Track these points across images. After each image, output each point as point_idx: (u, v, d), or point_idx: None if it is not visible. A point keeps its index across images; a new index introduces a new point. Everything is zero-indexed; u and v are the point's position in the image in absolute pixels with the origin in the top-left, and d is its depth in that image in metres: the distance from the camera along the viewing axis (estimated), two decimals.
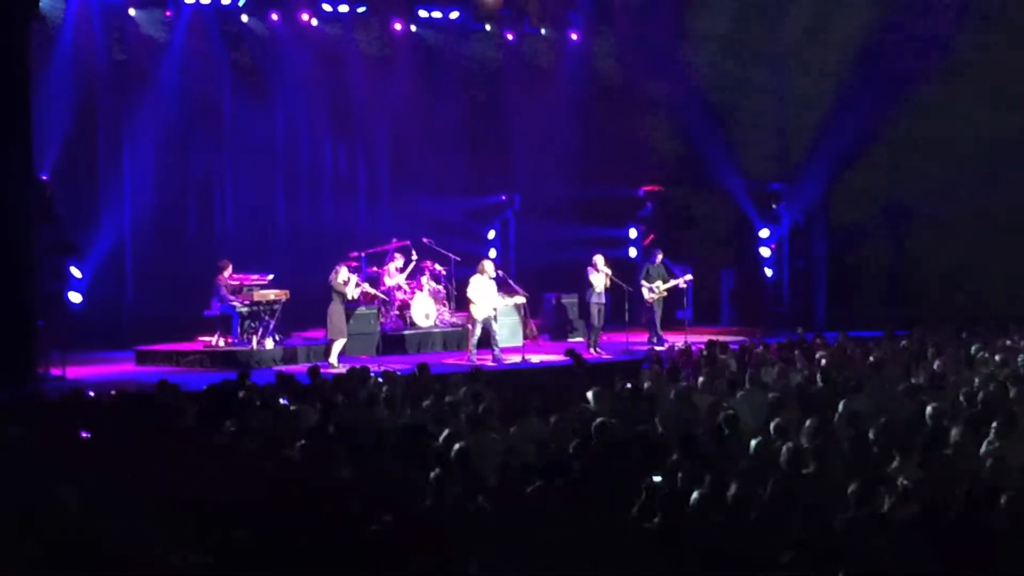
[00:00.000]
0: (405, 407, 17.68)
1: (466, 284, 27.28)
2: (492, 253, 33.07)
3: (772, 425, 15.30)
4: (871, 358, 21.20)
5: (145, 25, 29.84)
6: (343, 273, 26.36)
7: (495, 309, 26.86)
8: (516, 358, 26.74)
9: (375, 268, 29.37)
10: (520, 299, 28.13)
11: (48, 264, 25.42)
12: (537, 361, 26.74)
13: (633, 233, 35.34)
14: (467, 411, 17.64)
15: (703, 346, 24.13)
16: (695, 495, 11.87)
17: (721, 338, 26.02)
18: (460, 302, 29.59)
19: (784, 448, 13.59)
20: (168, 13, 29.82)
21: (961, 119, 31.16)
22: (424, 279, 29.59)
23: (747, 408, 17.19)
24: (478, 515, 11.61)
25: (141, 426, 16.37)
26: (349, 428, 16.59)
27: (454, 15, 33.19)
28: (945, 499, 11.87)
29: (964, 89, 31.27)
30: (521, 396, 18.20)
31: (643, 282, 29.70)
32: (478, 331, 26.66)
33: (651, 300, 29.60)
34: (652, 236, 34.15)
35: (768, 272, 33.53)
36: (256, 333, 26.73)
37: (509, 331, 28.41)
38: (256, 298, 26.87)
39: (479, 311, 26.46)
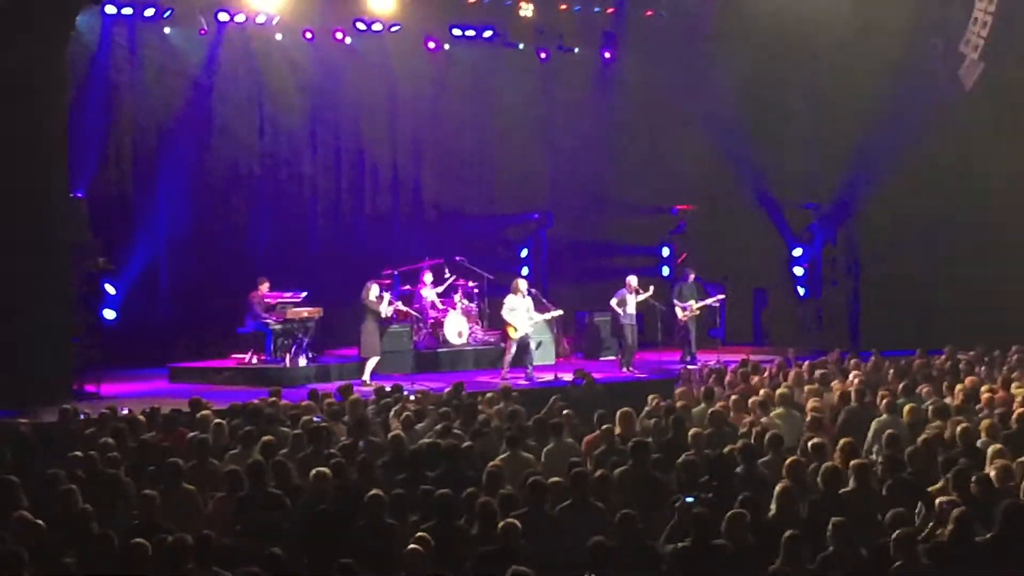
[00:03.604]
0: (437, 425, 17.64)
1: (499, 302, 27.27)
2: (525, 271, 32.99)
3: (812, 444, 15.28)
4: (905, 377, 21.10)
5: (180, 43, 29.90)
6: (374, 290, 26.34)
7: (531, 327, 26.83)
8: (549, 376, 26.70)
9: (408, 286, 29.39)
10: (557, 312, 28.03)
11: (83, 282, 25.48)
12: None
13: (666, 252, 35.24)
14: (501, 430, 17.69)
15: (736, 365, 24.06)
16: (727, 516, 11.87)
17: (754, 357, 25.95)
18: (493, 320, 29.57)
19: (821, 469, 13.57)
20: (203, 31, 29.87)
21: (994, 140, 31.08)
22: (457, 297, 29.54)
23: (781, 428, 17.13)
24: (509, 533, 11.61)
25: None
26: (381, 446, 16.64)
27: (487, 34, 33.21)
28: (981, 519, 11.84)
29: (997, 110, 31.20)
30: (554, 415, 18.18)
31: (676, 301, 29.66)
32: (513, 349, 26.66)
33: (684, 319, 29.56)
34: (685, 255, 34.07)
35: (801, 291, 33.41)
36: (289, 351, 26.75)
37: (542, 349, 28.39)
38: (289, 316, 26.89)
39: (515, 330, 26.46)
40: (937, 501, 12.66)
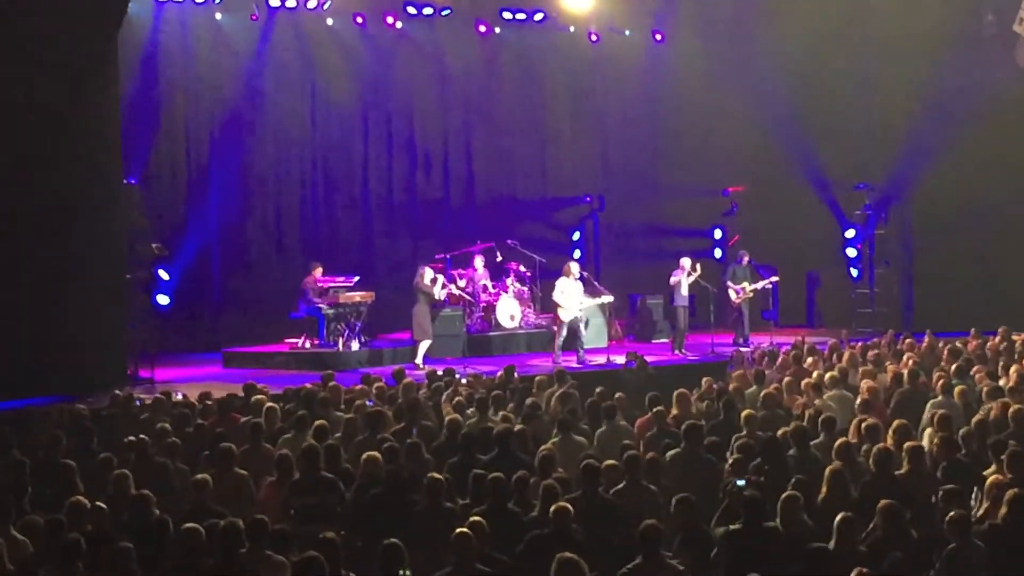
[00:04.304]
0: (490, 409, 17.65)
1: (551, 286, 27.24)
2: (576, 254, 32.96)
3: (866, 426, 15.21)
4: (959, 359, 20.96)
5: (231, 29, 30.03)
6: (428, 274, 26.41)
7: (581, 310, 26.80)
8: (601, 359, 26.67)
9: (460, 270, 29.41)
10: (608, 298, 27.98)
11: (137, 267, 25.61)
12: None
13: (718, 234, 35.13)
14: (553, 413, 17.69)
15: (789, 347, 23.97)
16: (781, 498, 11.87)
17: (808, 339, 25.85)
18: (545, 303, 29.58)
19: (873, 450, 13.52)
20: (254, 17, 30.00)
21: None
22: (509, 281, 29.59)
23: (834, 410, 17.07)
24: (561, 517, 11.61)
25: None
26: (433, 430, 16.68)
27: (538, 16, 33.18)
28: None
29: None
30: (607, 398, 18.12)
31: (729, 283, 29.60)
32: (564, 332, 26.61)
33: (738, 301, 29.50)
34: (737, 237, 33.96)
35: (854, 272, 33.27)
36: (342, 335, 26.82)
37: (594, 332, 28.35)
38: (342, 300, 26.95)
39: (565, 313, 26.42)
40: (989, 483, 12.61)
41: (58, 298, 23.05)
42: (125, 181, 25.47)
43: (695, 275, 28.12)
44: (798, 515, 11.71)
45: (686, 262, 28.22)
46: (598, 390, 18.73)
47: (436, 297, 26.59)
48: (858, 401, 17.37)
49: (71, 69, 23.31)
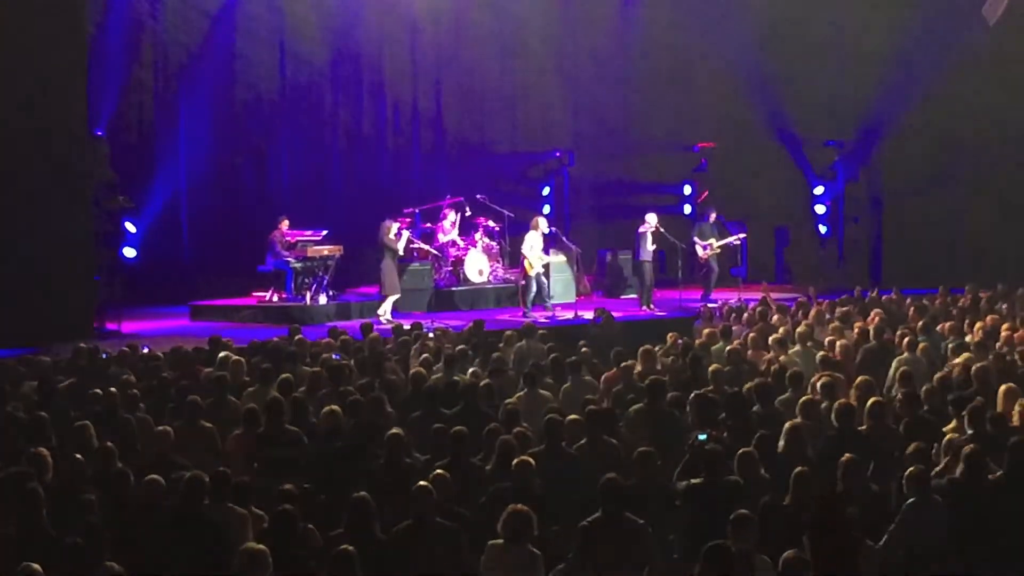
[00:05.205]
0: (457, 363, 17.63)
1: (520, 240, 27.20)
2: (546, 209, 32.92)
3: (822, 383, 15.23)
4: (926, 316, 21.04)
5: None
6: (392, 228, 26.29)
7: (544, 265, 26.74)
8: (569, 314, 26.66)
9: (429, 224, 29.37)
10: (558, 258, 27.79)
11: (104, 220, 25.51)
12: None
13: (688, 190, 35.12)
14: (519, 367, 17.70)
15: (756, 303, 24.01)
16: (738, 453, 11.91)
17: (776, 295, 25.90)
18: (514, 258, 29.56)
19: (835, 406, 13.56)
20: None
21: (1018, 77, 31.05)
22: (478, 235, 29.54)
23: (799, 366, 17.10)
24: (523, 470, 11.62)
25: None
26: (398, 384, 16.66)
27: None
28: (992, 458, 11.85)
29: (1022, 47, 31.07)
30: (573, 352, 18.14)
31: (696, 239, 29.56)
32: (533, 287, 26.55)
33: (705, 257, 29.46)
34: (706, 193, 33.99)
35: (823, 229, 33.36)
36: (310, 289, 26.76)
37: (563, 287, 28.35)
38: (310, 253, 26.87)
39: (531, 267, 26.36)
40: (947, 439, 12.67)
41: (23, 250, 22.97)
42: (92, 133, 25.35)
43: (659, 232, 28.05)
44: (756, 470, 11.75)
45: (652, 218, 28.10)
46: (582, 345, 18.79)
47: (400, 252, 26.50)
48: (819, 357, 17.37)
49: (37, 19, 23.17)
